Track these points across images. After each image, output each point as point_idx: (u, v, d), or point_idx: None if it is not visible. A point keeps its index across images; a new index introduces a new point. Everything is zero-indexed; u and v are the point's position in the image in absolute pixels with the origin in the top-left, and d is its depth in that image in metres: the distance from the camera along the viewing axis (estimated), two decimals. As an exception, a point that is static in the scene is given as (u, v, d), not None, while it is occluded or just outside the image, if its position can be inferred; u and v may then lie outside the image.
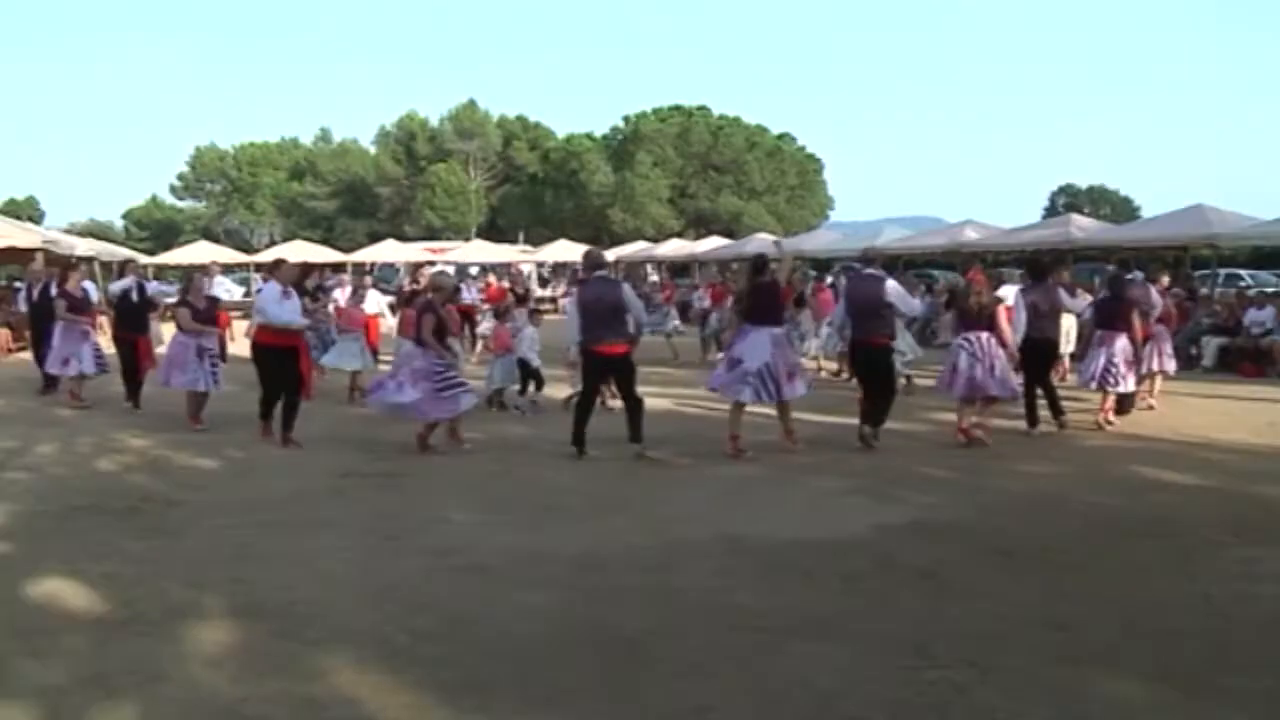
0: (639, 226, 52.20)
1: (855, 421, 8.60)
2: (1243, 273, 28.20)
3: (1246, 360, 14.41)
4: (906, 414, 9.57)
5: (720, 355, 14.80)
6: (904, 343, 11.65)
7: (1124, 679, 3.77)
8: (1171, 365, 10.87)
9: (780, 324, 8.36)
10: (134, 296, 11.26)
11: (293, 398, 8.73)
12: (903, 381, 11.54)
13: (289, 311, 8.83)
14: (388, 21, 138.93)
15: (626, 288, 8.69)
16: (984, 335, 8.55)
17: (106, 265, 26.90)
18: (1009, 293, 9.77)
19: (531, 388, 10.93)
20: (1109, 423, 9.39)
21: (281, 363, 8.72)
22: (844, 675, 3.76)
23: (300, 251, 34.49)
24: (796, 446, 8.28)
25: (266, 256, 35.26)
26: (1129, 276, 10.46)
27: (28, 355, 14.27)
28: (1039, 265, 10.08)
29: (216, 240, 48.49)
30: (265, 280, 9.93)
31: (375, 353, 12.55)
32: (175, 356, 9.87)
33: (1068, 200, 62.51)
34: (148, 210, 69.89)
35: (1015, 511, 6.35)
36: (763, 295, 8.24)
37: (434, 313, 8.34)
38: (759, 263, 8.52)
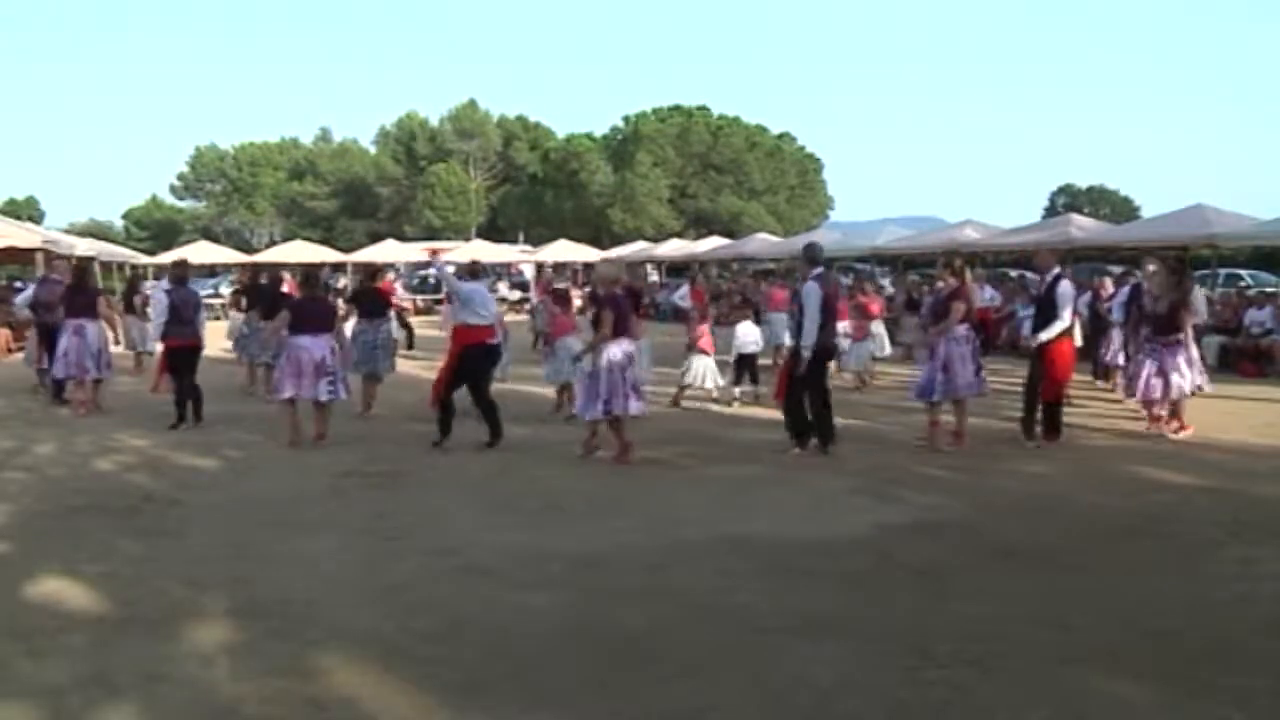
0: (639, 226, 52.25)
1: (854, 422, 8.61)
2: (1243, 273, 28.17)
3: (1246, 360, 14.40)
4: (904, 414, 9.58)
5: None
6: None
7: (1124, 679, 3.76)
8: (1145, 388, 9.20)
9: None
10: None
11: None
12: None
13: None
14: (388, 21, 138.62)
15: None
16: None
17: (106, 265, 26.99)
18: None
19: (747, 381, 11.12)
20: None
21: None
22: (844, 675, 3.76)
23: (300, 252, 34.53)
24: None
25: (267, 256, 35.30)
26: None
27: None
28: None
29: (216, 240, 48.50)
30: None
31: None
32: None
33: (1068, 200, 62.51)
34: (148, 210, 69.94)
35: (1015, 511, 6.35)
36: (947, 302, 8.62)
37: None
38: (956, 264, 8.94)
